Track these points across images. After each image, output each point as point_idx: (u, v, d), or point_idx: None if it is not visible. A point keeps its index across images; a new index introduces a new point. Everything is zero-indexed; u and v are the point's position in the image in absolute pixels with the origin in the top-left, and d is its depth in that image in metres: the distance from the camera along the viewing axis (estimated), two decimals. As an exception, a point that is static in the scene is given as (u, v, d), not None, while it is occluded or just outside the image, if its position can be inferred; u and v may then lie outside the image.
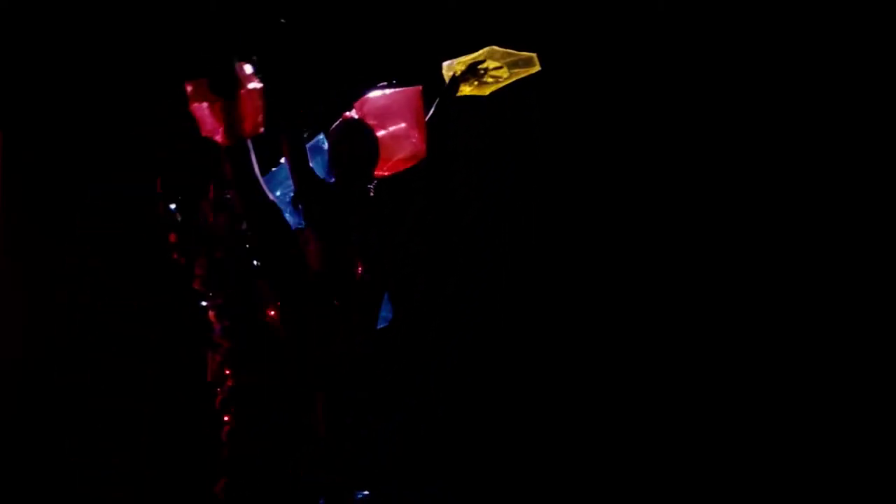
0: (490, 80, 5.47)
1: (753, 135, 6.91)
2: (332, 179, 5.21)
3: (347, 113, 5.29)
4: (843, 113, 6.85)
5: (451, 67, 5.43)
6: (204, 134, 5.02)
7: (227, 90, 4.94)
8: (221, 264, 5.39)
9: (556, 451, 6.87)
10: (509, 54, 5.46)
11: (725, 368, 6.84)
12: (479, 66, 5.42)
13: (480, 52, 5.44)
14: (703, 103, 6.93)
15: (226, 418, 5.31)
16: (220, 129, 4.97)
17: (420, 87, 5.30)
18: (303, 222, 5.17)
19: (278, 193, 5.23)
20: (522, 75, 5.49)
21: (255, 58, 5.02)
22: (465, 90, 5.46)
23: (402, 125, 5.28)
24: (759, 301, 6.86)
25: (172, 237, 5.40)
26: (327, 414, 5.04)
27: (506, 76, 5.47)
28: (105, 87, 6.86)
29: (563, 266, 7.00)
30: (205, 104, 4.97)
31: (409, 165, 5.31)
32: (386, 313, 5.26)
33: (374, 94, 5.32)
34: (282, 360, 5.16)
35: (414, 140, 5.29)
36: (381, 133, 5.27)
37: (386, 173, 5.30)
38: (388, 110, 5.28)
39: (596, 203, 7.01)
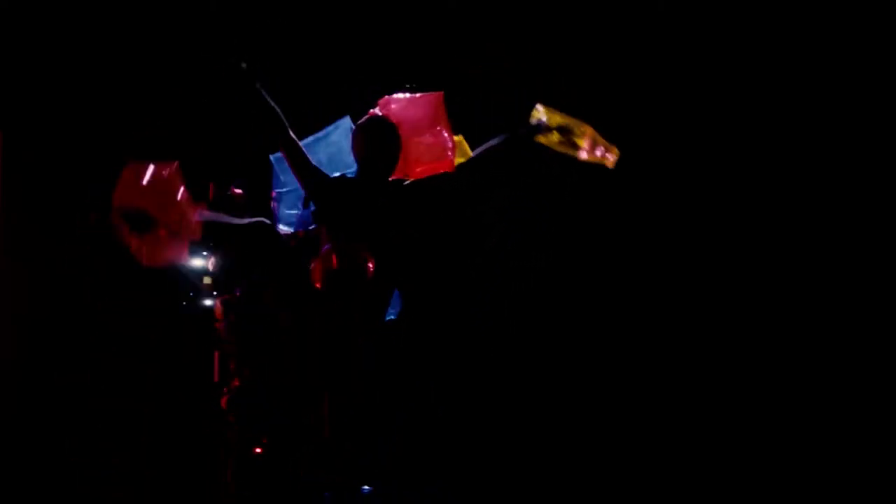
0: (565, 143, 5.37)
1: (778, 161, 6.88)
2: (352, 175, 5.24)
3: (373, 110, 5.30)
4: (844, 113, 6.85)
5: (544, 114, 5.33)
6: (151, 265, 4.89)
7: (141, 225, 4.79)
8: (230, 260, 5.38)
9: (557, 451, 6.87)
10: (598, 138, 5.36)
11: (731, 384, 6.84)
12: (571, 132, 5.34)
13: (579, 122, 5.35)
14: (735, 139, 6.88)
15: (230, 418, 5.32)
16: (164, 256, 4.82)
17: (441, 93, 5.29)
18: (314, 222, 5.19)
19: (287, 189, 5.23)
20: (592, 160, 5.39)
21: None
22: (540, 138, 5.36)
23: (429, 134, 5.27)
24: (779, 320, 6.85)
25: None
26: (332, 413, 5.05)
27: (581, 147, 5.36)
28: (105, 87, 6.86)
29: (572, 283, 7.00)
30: (134, 241, 4.81)
31: (435, 172, 5.30)
32: (393, 309, 5.27)
33: (398, 99, 5.32)
34: (287, 359, 5.16)
35: (435, 145, 5.28)
36: (408, 140, 5.26)
37: (412, 178, 5.31)
38: (414, 117, 5.27)
39: (611, 242, 7.00)
